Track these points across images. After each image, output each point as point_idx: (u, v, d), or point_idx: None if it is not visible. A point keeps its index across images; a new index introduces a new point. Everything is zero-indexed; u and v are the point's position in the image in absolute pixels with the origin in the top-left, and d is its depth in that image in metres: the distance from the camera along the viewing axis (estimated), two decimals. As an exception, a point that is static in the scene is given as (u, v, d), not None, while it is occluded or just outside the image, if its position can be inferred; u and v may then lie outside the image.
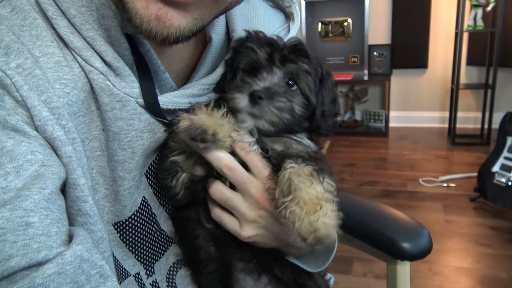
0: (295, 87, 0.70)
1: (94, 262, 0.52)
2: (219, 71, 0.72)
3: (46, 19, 0.59)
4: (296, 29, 0.84)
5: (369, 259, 2.40)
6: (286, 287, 0.78)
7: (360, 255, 2.41)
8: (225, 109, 0.66)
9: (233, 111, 0.67)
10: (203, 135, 0.62)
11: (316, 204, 0.59)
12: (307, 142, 0.72)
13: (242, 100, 0.66)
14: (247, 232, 0.70)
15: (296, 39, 0.72)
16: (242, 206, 0.70)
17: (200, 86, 0.68)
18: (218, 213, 0.72)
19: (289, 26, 0.84)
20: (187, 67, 0.74)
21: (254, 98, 0.65)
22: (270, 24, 0.81)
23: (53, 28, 0.59)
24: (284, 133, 0.70)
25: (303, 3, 4.95)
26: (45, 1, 0.58)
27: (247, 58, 0.69)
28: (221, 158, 0.67)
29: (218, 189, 0.71)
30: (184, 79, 0.74)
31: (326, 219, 0.59)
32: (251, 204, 0.69)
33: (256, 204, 0.69)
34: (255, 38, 0.71)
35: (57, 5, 0.59)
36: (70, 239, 0.53)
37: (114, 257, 0.69)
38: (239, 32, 0.75)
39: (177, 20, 0.56)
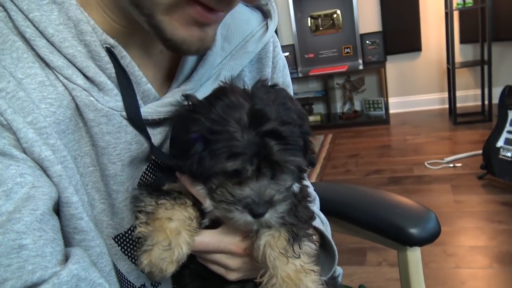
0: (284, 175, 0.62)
1: (93, 280, 0.52)
2: (196, 76, 0.71)
3: (25, 41, 0.59)
4: (275, 26, 0.83)
5: (382, 248, 2.39)
6: None
7: (373, 245, 2.40)
8: (190, 202, 0.65)
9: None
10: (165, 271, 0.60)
11: (295, 282, 0.59)
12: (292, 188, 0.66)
13: (242, 218, 0.59)
14: (234, 276, 0.70)
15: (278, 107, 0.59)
16: (222, 259, 0.68)
17: (181, 93, 0.68)
18: (202, 260, 0.71)
19: (267, 24, 0.83)
20: (167, 76, 0.74)
21: (257, 215, 0.59)
22: (247, 24, 0.80)
23: (33, 49, 0.59)
24: None
25: (290, 0, 4.95)
26: (23, 23, 0.58)
27: (231, 164, 0.56)
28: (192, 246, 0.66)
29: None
30: (166, 88, 0.73)
31: None
32: (232, 256, 0.68)
33: (236, 255, 0.68)
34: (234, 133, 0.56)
35: (35, 26, 0.58)
36: (67, 259, 0.53)
37: (118, 271, 0.69)
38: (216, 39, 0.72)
39: (211, 33, 0.62)
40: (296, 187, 0.67)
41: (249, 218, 0.59)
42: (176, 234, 0.62)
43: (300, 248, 0.62)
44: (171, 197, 0.64)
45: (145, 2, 0.56)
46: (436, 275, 2.19)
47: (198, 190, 0.64)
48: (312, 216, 0.73)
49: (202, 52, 0.67)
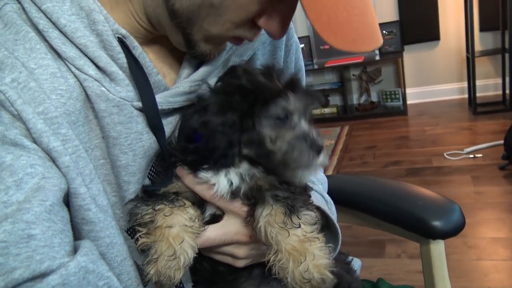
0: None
1: (101, 273, 0.53)
2: (205, 66, 0.71)
3: (39, 32, 0.60)
4: None
5: (401, 240, 2.37)
6: None
7: (392, 237, 2.38)
8: (189, 203, 0.65)
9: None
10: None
11: (301, 252, 0.58)
12: None
13: (306, 154, 0.63)
14: (242, 263, 0.70)
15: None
16: (229, 249, 0.69)
17: (190, 84, 0.69)
18: (208, 253, 0.71)
19: None
20: (174, 68, 0.75)
21: (320, 150, 0.64)
22: None
23: (46, 40, 0.60)
24: None
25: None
26: (36, 15, 0.60)
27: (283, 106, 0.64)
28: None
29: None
30: (174, 78, 0.74)
31: (316, 262, 0.58)
32: (238, 246, 0.68)
33: (243, 243, 0.68)
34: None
35: (47, 17, 0.60)
36: (76, 252, 0.54)
37: (135, 263, 0.70)
38: None
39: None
40: None
41: (312, 154, 0.63)
42: (179, 240, 0.61)
43: (299, 218, 0.61)
44: (168, 200, 0.64)
45: (191, 25, 0.61)
46: (458, 267, 2.16)
47: (201, 183, 0.65)
48: (306, 187, 0.72)
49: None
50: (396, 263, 2.31)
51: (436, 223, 0.93)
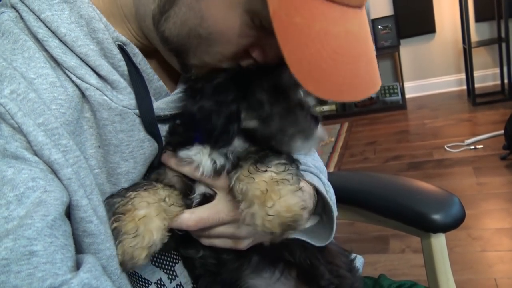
0: None
1: None
2: None
3: (37, 42, 0.59)
4: None
5: (405, 235, 2.36)
6: (299, 273, 0.75)
7: (395, 232, 2.37)
8: (160, 185, 0.66)
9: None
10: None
11: (265, 194, 0.56)
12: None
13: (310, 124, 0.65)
14: (244, 244, 0.69)
15: None
16: (228, 230, 0.67)
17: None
18: (207, 241, 0.70)
19: None
20: (176, 73, 0.74)
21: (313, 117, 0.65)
22: None
23: (45, 50, 0.59)
24: None
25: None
26: (35, 23, 0.59)
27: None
28: (182, 224, 0.65)
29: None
30: (174, 85, 0.74)
31: (283, 202, 0.56)
32: (236, 224, 0.67)
33: (239, 222, 0.66)
34: None
35: (47, 26, 0.59)
36: (79, 267, 0.53)
37: (135, 273, 0.69)
38: None
39: None
40: None
41: (310, 121, 0.64)
42: (144, 220, 0.61)
43: (266, 166, 0.60)
44: (138, 186, 0.64)
45: (185, 52, 0.62)
46: (462, 260, 2.15)
47: (185, 163, 0.65)
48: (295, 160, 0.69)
49: None
50: (401, 258, 2.30)
51: (436, 217, 0.93)
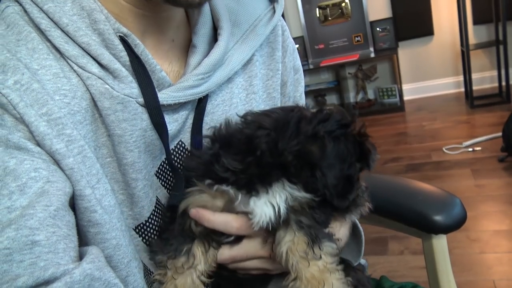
0: None
1: (108, 280, 0.52)
2: (208, 61, 0.71)
3: (41, 33, 0.60)
4: (281, 9, 0.83)
5: (404, 237, 2.37)
6: None
7: (394, 233, 2.37)
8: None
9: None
10: None
11: (319, 281, 0.58)
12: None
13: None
14: (277, 271, 0.69)
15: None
16: (259, 264, 0.68)
17: (194, 77, 0.68)
18: (240, 269, 0.71)
19: (274, 7, 0.83)
20: (179, 65, 0.74)
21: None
22: (254, 9, 0.81)
23: (48, 40, 0.60)
24: None
25: (297, -9, 4.91)
26: (38, 15, 0.60)
27: None
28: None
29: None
30: (178, 76, 0.74)
31: None
32: (266, 260, 0.67)
33: (268, 259, 0.67)
34: None
35: (49, 17, 0.60)
36: (82, 258, 0.53)
37: (141, 263, 0.69)
38: (225, 25, 0.74)
39: None
40: None
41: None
42: None
43: (321, 250, 0.61)
44: (181, 255, 0.65)
45: None
46: (461, 261, 2.15)
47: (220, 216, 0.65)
48: (328, 218, 0.69)
49: (203, 4, 0.67)
50: (400, 259, 2.31)
51: (438, 218, 0.92)
